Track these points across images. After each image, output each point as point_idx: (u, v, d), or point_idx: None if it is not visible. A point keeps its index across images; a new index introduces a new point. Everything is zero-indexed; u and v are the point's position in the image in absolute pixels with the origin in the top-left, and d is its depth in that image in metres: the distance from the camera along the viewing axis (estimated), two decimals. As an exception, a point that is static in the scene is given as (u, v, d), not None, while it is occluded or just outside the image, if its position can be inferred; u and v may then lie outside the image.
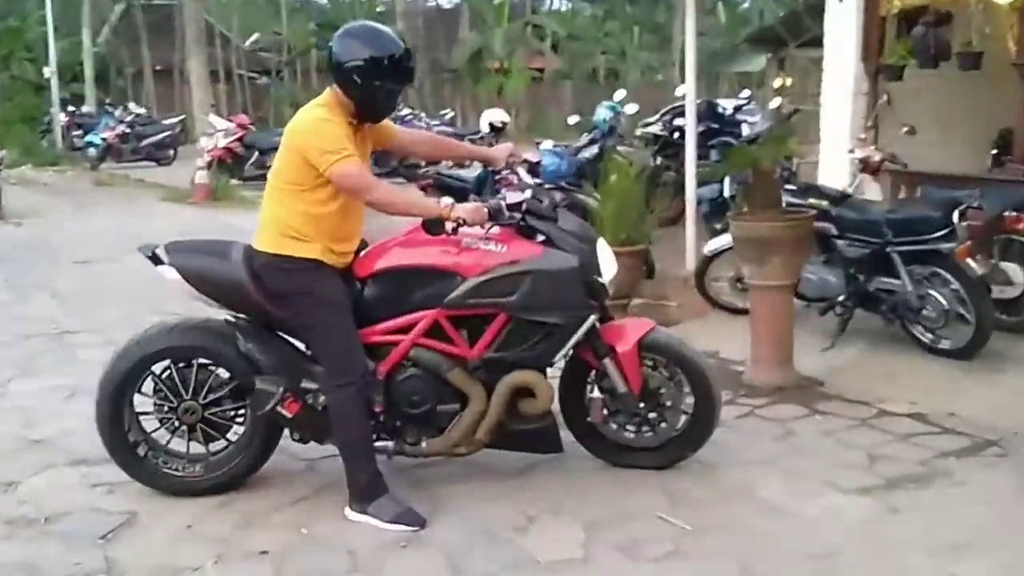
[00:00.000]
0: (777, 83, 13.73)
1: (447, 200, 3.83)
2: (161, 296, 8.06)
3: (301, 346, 4.14)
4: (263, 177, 17.45)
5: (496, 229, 3.97)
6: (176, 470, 4.17)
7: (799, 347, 5.74)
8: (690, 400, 4.27)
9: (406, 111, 20.94)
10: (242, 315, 4.09)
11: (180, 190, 16.44)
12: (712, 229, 8.58)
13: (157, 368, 4.13)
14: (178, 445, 4.24)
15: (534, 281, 3.91)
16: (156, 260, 4.06)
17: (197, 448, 4.22)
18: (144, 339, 4.11)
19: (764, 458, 4.51)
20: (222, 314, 4.16)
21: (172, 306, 7.63)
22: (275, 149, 15.29)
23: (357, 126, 3.92)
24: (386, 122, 4.12)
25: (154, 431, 4.25)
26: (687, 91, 8.20)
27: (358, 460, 3.91)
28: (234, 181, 16.93)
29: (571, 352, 4.15)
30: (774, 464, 4.45)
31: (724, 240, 6.87)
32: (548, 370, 4.14)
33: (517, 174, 4.28)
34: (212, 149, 16.91)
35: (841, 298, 6.28)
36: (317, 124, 3.77)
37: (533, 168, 4.35)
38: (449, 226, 3.77)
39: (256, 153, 17.48)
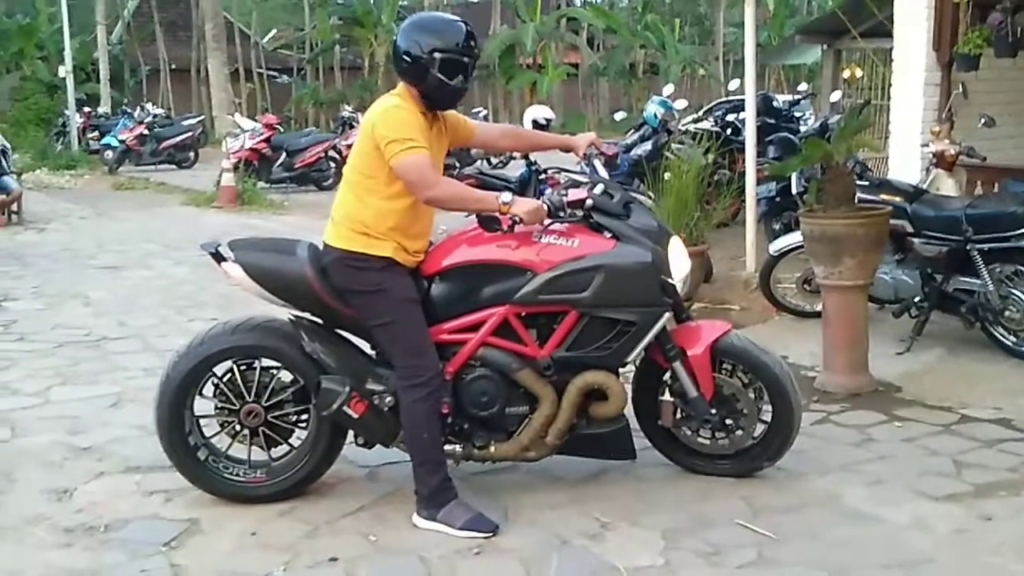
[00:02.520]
0: (847, 74, 13.75)
1: (506, 196, 3.90)
2: (196, 301, 8.38)
3: (366, 347, 4.24)
4: (291, 180, 18.08)
5: (557, 225, 4.05)
6: (238, 476, 4.26)
7: (873, 351, 5.79)
8: (768, 408, 4.31)
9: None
10: (307, 314, 4.18)
11: (204, 194, 16.68)
12: (771, 229, 8.70)
13: (219, 370, 4.22)
14: (239, 451, 4.34)
15: (606, 276, 3.97)
16: (219, 257, 4.16)
17: (259, 453, 4.31)
18: (207, 339, 4.20)
19: (844, 465, 4.56)
20: (286, 314, 4.25)
21: (209, 311, 7.92)
22: (304, 151, 15.63)
23: (432, 119, 4.02)
24: (463, 118, 4.25)
25: (214, 435, 4.35)
26: (746, 85, 8.28)
27: (428, 464, 3.98)
28: (261, 184, 17.17)
29: (644, 353, 4.22)
30: (855, 471, 4.50)
31: (791, 239, 6.93)
32: (621, 371, 4.22)
33: (593, 166, 4.36)
34: (238, 151, 17.15)
35: (917, 299, 6.32)
36: (389, 112, 3.87)
37: (610, 161, 4.44)
38: (506, 224, 3.87)
39: (284, 155, 17.78)
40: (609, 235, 4.07)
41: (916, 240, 6.28)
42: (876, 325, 6.26)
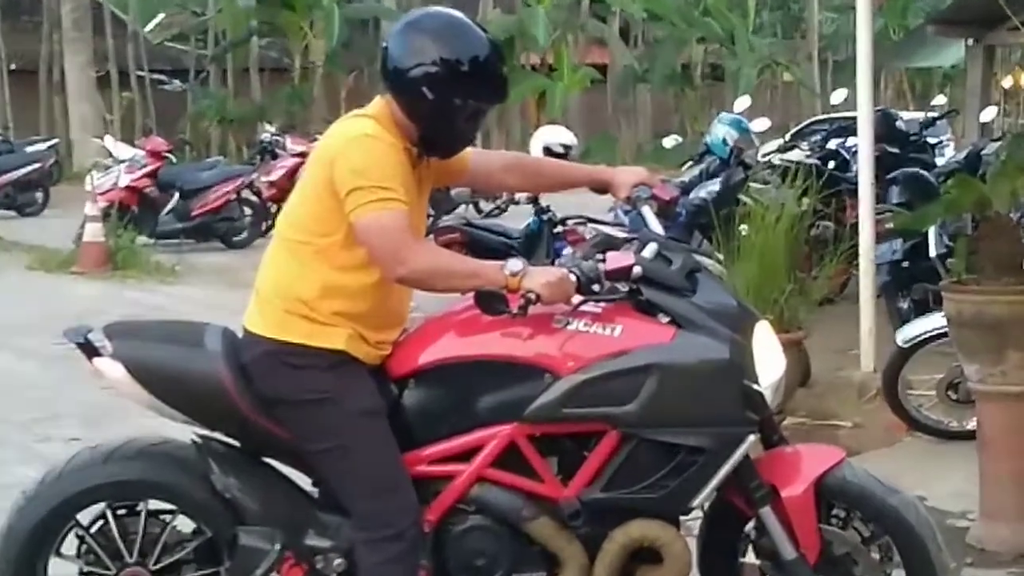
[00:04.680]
0: (1008, 83, 13.94)
1: (515, 264, 3.93)
2: (50, 413, 8.30)
3: (307, 483, 4.23)
4: (187, 233, 18.10)
5: (591, 306, 4.07)
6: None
7: None
8: (900, 573, 4.27)
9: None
10: (218, 434, 4.18)
11: (58, 253, 16.66)
12: (896, 308, 8.72)
13: (86, 518, 4.19)
14: None
15: (662, 381, 3.97)
16: (90, 350, 4.16)
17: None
18: (66, 473, 4.18)
19: None
20: (187, 433, 4.25)
21: (69, 428, 7.84)
22: (205, 191, 15.61)
23: (416, 157, 4.08)
24: None
25: None
26: (859, 97, 8.32)
27: None
28: (143, 239, 17.21)
29: (716, 493, 4.19)
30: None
31: (929, 324, 6.95)
32: (682, 520, 4.21)
33: (641, 215, 4.37)
34: (109, 190, 17.21)
35: None
36: (358, 144, 3.90)
37: (666, 208, 4.46)
38: (515, 304, 3.86)
39: (176, 196, 17.87)
40: (666, 319, 4.09)
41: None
42: None
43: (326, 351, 3.96)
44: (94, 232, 15.87)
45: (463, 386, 4.09)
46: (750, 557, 4.30)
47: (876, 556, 4.26)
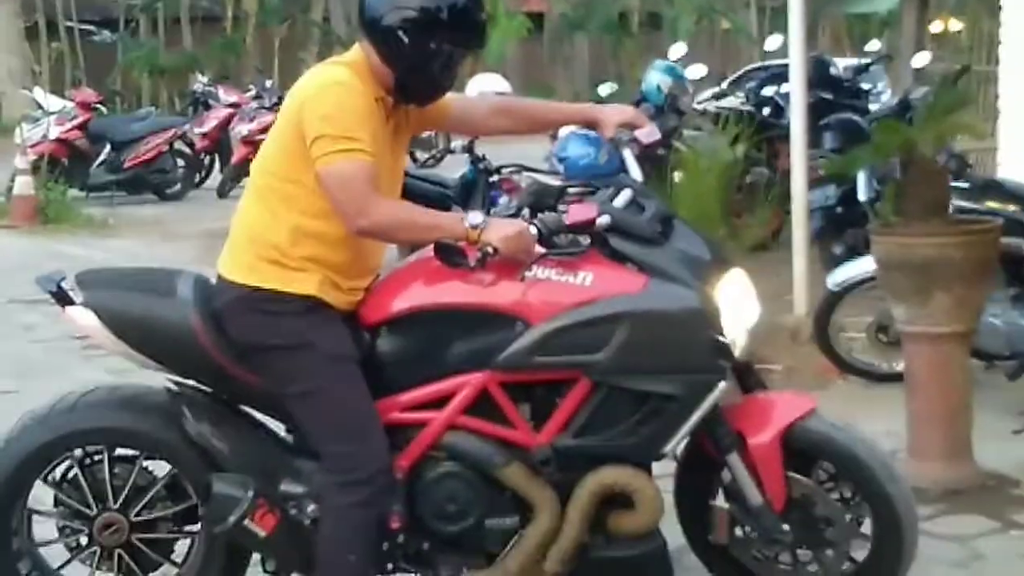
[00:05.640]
0: (938, 28, 13.98)
1: (476, 217, 3.93)
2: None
3: (281, 429, 4.26)
4: (119, 185, 17.91)
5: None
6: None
7: (980, 429, 5.89)
8: (869, 522, 4.32)
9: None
10: (192, 380, 4.21)
11: (-13, 207, 16.47)
12: (829, 253, 8.74)
13: (59, 468, 4.24)
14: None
15: (632, 329, 3.97)
16: (63, 299, 4.16)
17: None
18: (35, 422, 4.20)
19: None
20: (160, 379, 4.28)
21: (2, 381, 7.79)
22: (137, 142, 15.44)
23: (392, 107, 4.07)
24: None
25: (62, 567, 4.38)
26: (791, 43, 8.36)
27: None
28: (75, 192, 17.12)
29: (690, 439, 4.22)
30: (957, 603, 4.56)
31: (860, 268, 7.02)
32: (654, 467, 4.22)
33: (622, 158, 4.37)
34: (39, 143, 17.03)
35: None
36: (328, 92, 3.91)
37: (648, 151, 4.45)
38: (473, 257, 3.87)
39: (108, 148, 17.71)
40: (636, 268, 4.08)
41: (1042, 267, 6.39)
42: (984, 391, 6.39)
43: (298, 297, 3.97)
44: (24, 185, 15.83)
45: (436, 334, 4.09)
46: (720, 500, 4.31)
47: (846, 506, 4.30)
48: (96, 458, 4.25)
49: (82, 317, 4.13)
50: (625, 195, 4.19)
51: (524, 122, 4.68)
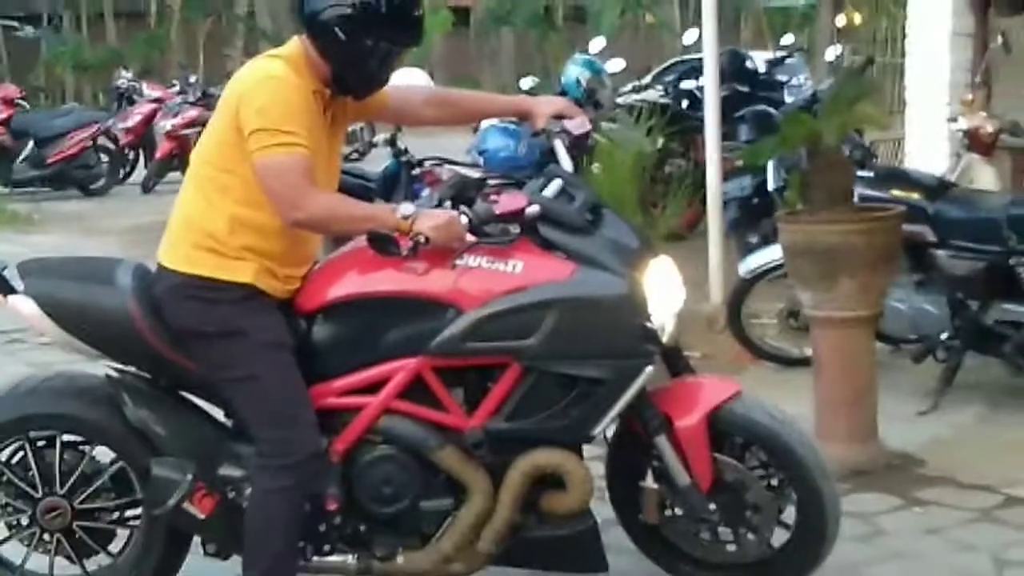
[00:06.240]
0: (841, 22, 14.08)
1: (407, 208, 3.97)
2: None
3: (220, 415, 4.31)
4: (43, 181, 17.78)
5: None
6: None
7: (885, 410, 6.00)
8: (793, 505, 4.41)
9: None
10: (132, 367, 4.26)
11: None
12: (745, 242, 8.79)
13: (9, 448, 4.29)
14: (38, 564, 4.43)
15: (561, 315, 4.04)
16: (5, 287, 4.19)
17: (66, 567, 4.40)
18: None
19: (845, 567, 4.73)
20: (100, 367, 4.32)
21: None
22: (61, 138, 15.33)
23: (330, 99, 4.12)
24: None
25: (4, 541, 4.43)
26: (705, 39, 8.47)
27: None
28: (-3, 188, 16.89)
29: (620, 422, 4.32)
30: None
31: (769, 255, 7.14)
32: (586, 449, 4.30)
33: (553, 149, 4.44)
34: (-42, 140, 16.75)
35: (945, 336, 6.56)
36: (264, 85, 3.94)
37: (578, 142, 4.50)
38: (405, 247, 3.93)
39: (31, 144, 17.57)
40: (565, 256, 4.15)
41: (941, 253, 6.54)
42: (889, 374, 6.48)
43: (234, 284, 4.00)
44: (-55, 182, 15.47)
45: (370, 320, 4.14)
46: (650, 481, 4.38)
47: (770, 488, 4.40)
48: (48, 443, 4.31)
49: (23, 305, 4.17)
50: (555, 185, 4.25)
51: (458, 113, 4.74)
